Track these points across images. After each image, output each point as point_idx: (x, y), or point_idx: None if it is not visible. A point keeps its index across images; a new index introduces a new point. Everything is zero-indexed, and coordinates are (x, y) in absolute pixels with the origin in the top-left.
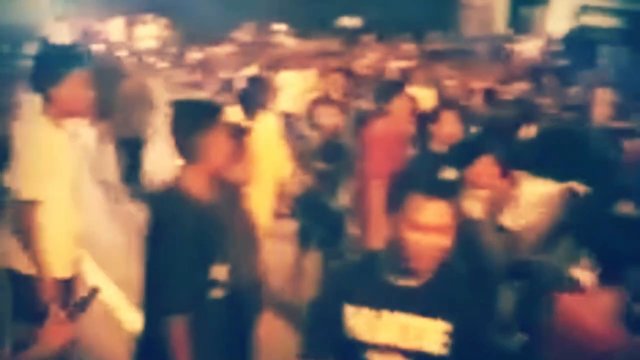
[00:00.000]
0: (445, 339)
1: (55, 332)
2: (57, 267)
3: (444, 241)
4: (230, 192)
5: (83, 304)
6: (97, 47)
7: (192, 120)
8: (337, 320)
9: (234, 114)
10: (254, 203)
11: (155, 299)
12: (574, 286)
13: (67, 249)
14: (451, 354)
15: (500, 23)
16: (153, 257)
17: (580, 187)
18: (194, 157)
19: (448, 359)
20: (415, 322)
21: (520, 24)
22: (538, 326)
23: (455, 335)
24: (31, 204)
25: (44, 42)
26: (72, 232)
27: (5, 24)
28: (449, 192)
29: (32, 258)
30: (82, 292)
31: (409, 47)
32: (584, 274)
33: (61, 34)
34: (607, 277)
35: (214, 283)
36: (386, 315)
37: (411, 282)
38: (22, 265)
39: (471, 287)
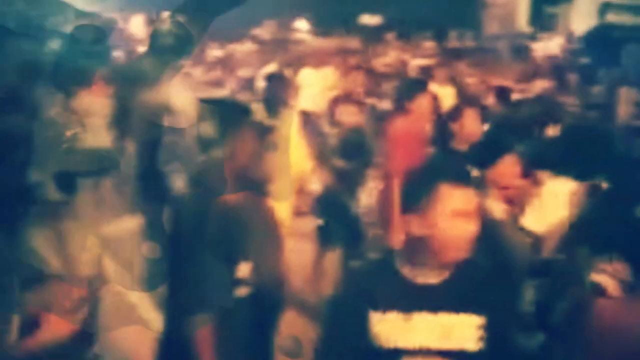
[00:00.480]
0: (480, 333)
1: (59, 322)
2: (81, 265)
3: (472, 227)
4: (254, 190)
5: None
6: (118, 45)
7: (220, 120)
8: (361, 325)
9: (256, 111)
10: (275, 201)
11: (179, 298)
12: (596, 289)
13: (91, 247)
14: (482, 350)
15: (522, 21)
16: (177, 255)
17: (603, 185)
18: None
19: (479, 355)
20: (447, 319)
21: (543, 22)
22: (559, 326)
23: (487, 329)
24: (56, 202)
25: (66, 39)
26: (96, 229)
27: (28, 20)
28: (474, 181)
29: (57, 256)
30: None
31: (429, 45)
32: (605, 278)
33: (84, 31)
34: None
35: (239, 282)
36: (416, 316)
37: (433, 279)
38: (48, 264)
39: (495, 282)
